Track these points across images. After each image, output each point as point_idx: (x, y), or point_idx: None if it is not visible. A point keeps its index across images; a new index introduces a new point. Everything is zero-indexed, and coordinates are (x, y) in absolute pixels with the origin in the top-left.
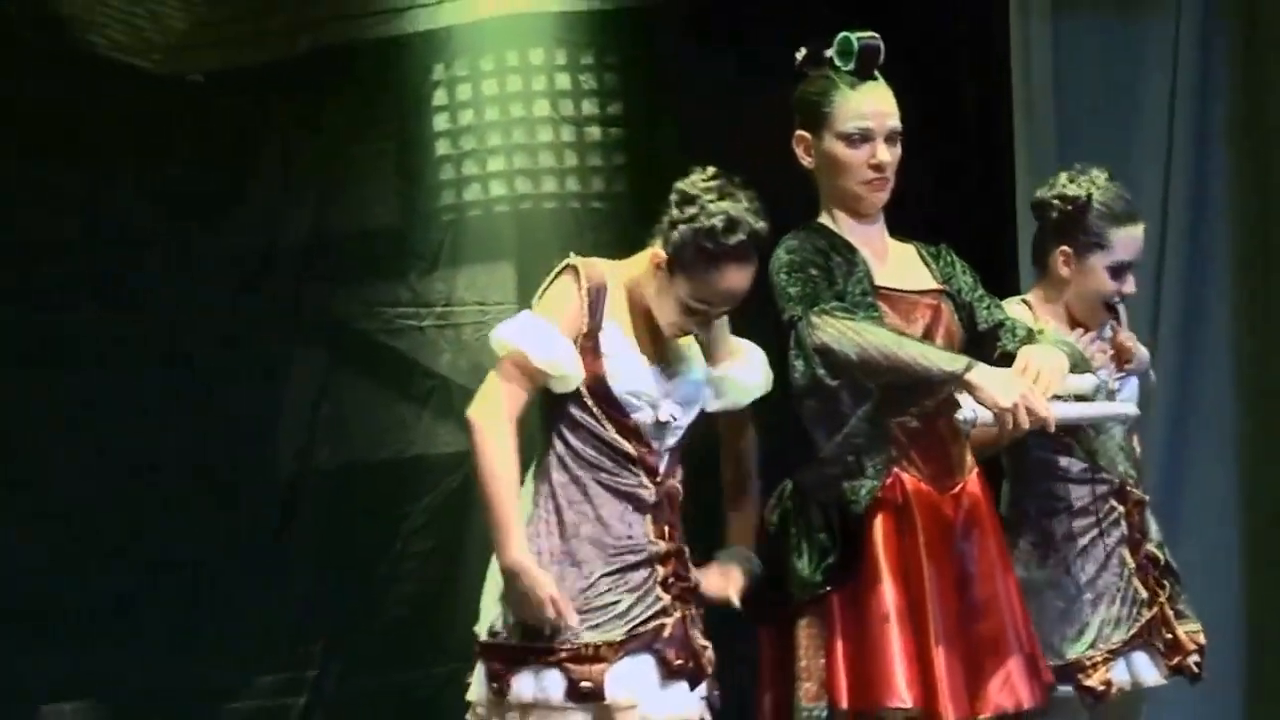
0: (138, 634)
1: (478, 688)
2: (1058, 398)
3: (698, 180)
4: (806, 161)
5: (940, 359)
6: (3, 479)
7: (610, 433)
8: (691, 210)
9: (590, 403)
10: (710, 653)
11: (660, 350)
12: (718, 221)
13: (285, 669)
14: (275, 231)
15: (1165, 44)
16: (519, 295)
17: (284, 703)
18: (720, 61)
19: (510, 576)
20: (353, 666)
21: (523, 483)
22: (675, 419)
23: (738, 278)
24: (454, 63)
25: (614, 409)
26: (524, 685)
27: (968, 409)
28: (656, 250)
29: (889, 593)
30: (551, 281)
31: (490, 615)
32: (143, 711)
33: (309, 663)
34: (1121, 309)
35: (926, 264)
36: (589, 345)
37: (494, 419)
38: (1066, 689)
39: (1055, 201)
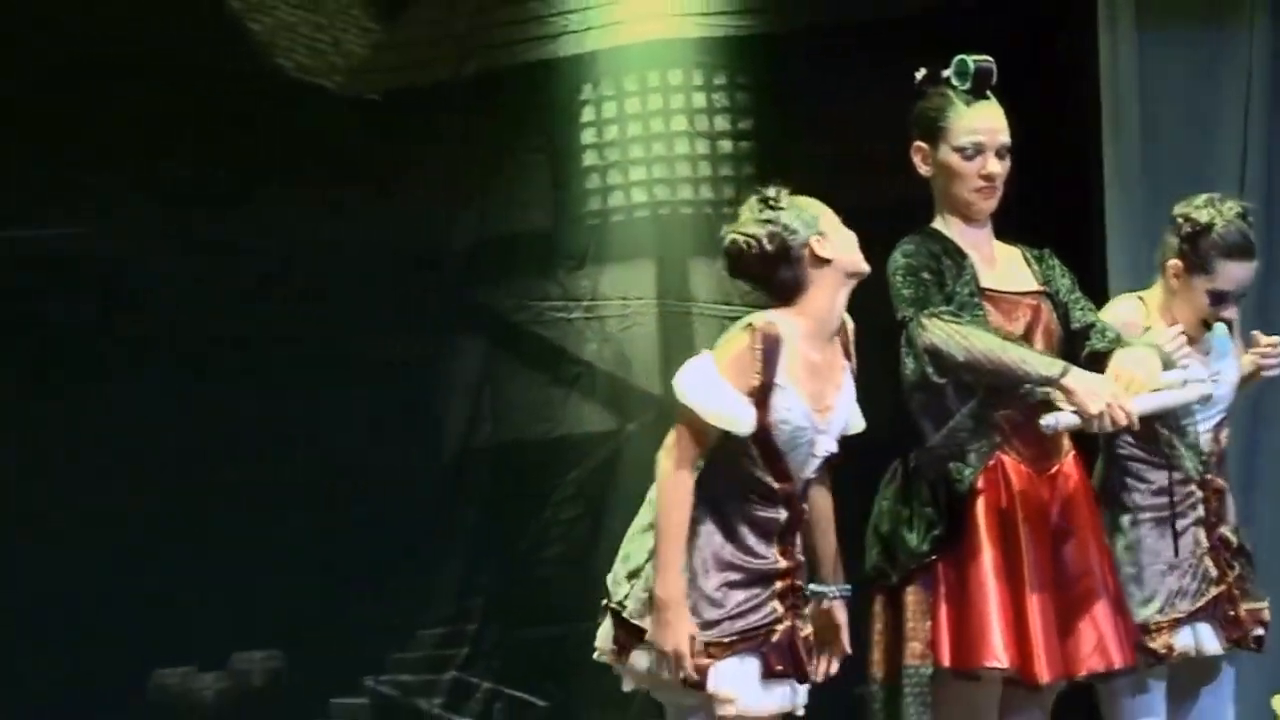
0: (321, 588)
1: (604, 638)
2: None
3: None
4: (924, 170)
5: (1039, 364)
6: (228, 457)
7: (763, 474)
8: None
9: (753, 449)
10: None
11: (819, 390)
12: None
13: (449, 623)
14: (442, 234)
15: (1240, 57)
16: (657, 291)
17: (447, 653)
18: (839, 81)
19: (660, 606)
20: (508, 621)
21: None
22: (828, 452)
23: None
24: (600, 83)
25: (773, 456)
26: (640, 659)
27: (1049, 418)
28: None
29: (989, 562)
30: (732, 336)
31: (623, 588)
32: (323, 657)
33: (470, 617)
34: (1226, 325)
35: (1030, 266)
36: (761, 399)
37: (674, 465)
38: None
39: (1181, 219)
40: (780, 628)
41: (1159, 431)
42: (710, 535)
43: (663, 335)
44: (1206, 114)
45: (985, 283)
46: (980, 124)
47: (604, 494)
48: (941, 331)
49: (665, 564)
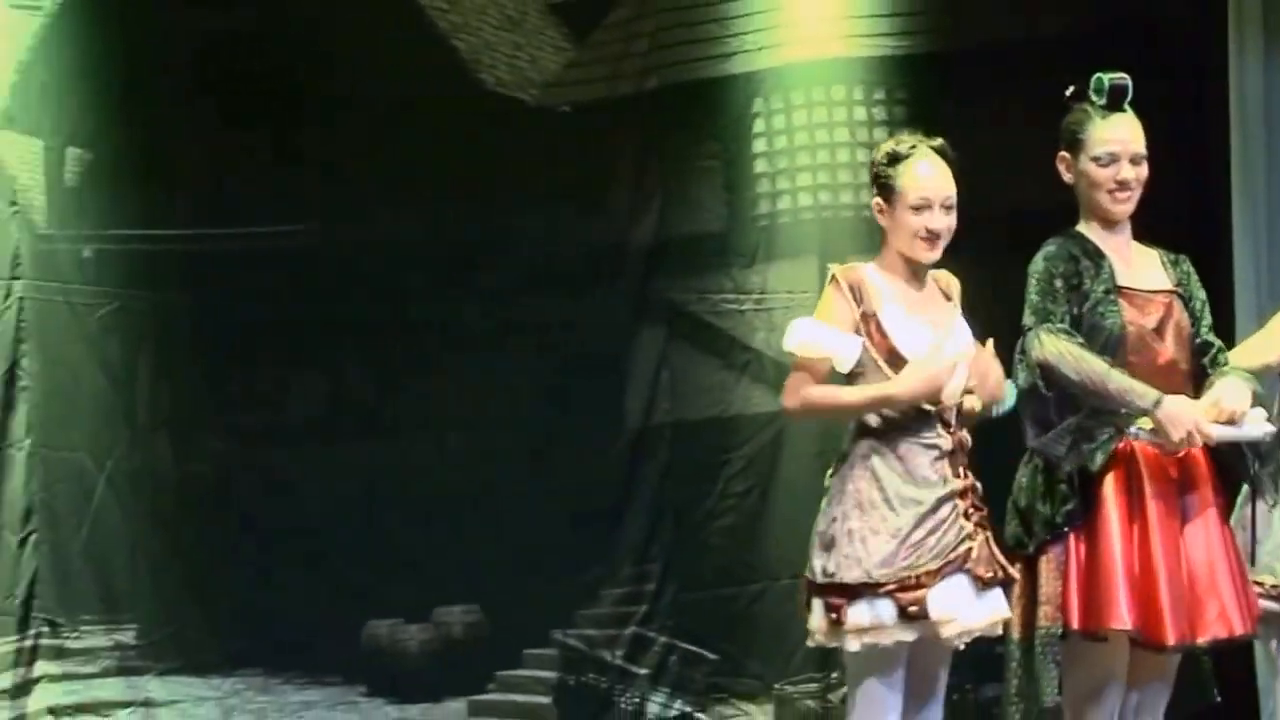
0: (515, 550)
1: (817, 619)
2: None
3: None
4: (1067, 178)
5: (1136, 394)
6: (443, 429)
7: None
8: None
9: (891, 374)
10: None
11: (930, 318)
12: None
13: (629, 583)
14: (627, 234)
15: None
16: (819, 286)
17: (627, 610)
18: (988, 97)
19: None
20: (682, 583)
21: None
22: (964, 376)
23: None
24: (770, 97)
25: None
26: (860, 614)
27: (1134, 428)
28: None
29: (1117, 533)
30: (822, 290)
31: (820, 560)
32: (517, 614)
33: (648, 579)
34: None
35: (1165, 268)
36: (873, 328)
37: (787, 397)
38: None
39: None
40: (974, 542)
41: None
42: (889, 476)
43: None
44: None
45: (1121, 281)
46: (1115, 135)
47: (770, 469)
48: (1055, 349)
49: (867, 400)
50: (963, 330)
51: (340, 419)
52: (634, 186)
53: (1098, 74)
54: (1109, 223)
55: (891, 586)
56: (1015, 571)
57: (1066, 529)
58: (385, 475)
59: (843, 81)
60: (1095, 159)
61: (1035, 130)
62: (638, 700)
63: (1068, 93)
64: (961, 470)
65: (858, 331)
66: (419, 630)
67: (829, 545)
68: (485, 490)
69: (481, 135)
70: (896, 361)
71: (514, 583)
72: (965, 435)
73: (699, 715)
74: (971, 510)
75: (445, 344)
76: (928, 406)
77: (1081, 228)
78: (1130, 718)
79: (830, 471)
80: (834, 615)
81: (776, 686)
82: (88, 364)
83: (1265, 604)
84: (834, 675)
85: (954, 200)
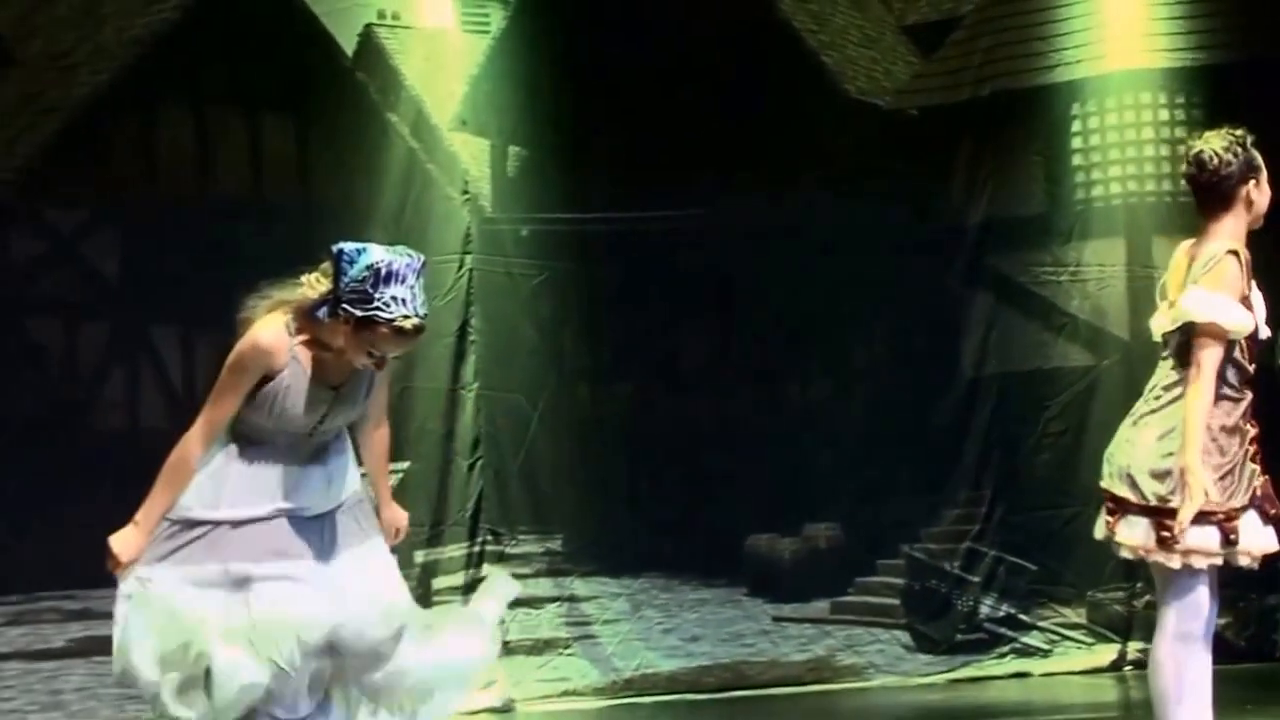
0: (872, 478)
1: (1145, 536)
2: None
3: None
4: None
5: None
6: (820, 375)
7: (1243, 359)
8: None
9: (1244, 343)
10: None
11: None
12: None
13: (965, 506)
14: (963, 215)
15: None
16: (1126, 261)
17: (963, 529)
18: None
19: (1186, 471)
20: (1009, 507)
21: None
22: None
23: None
24: (1086, 102)
25: (1253, 343)
26: (1192, 537)
27: None
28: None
29: None
30: (1218, 262)
31: (1152, 487)
32: (873, 531)
33: (981, 503)
34: None
35: None
36: (1246, 304)
37: (1207, 379)
38: None
39: None
40: (1259, 481)
41: None
42: (1218, 419)
43: (1130, 295)
44: None
45: None
46: None
47: (1083, 414)
48: None
49: (1187, 439)
50: None
51: (724, 369)
52: (969, 176)
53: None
54: None
55: (1220, 516)
56: None
57: None
58: (763, 415)
59: (1149, 89)
60: None
61: None
62: (971, 603)
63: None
64: (1253, 418)
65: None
66: (791, 543)
67: (1163, 475)
68: (847, 429)
69: (844, 134)
70: (1252, 340)
71: (870, 506)
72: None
73: (1022, 616)
74: (1256, 454)
75: (809, 311)
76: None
77: None
78: None
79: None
80: (1165, 535)
81: (1089, 593)
82: (524, 323)
83: None
84: (1139, 585)
85: None
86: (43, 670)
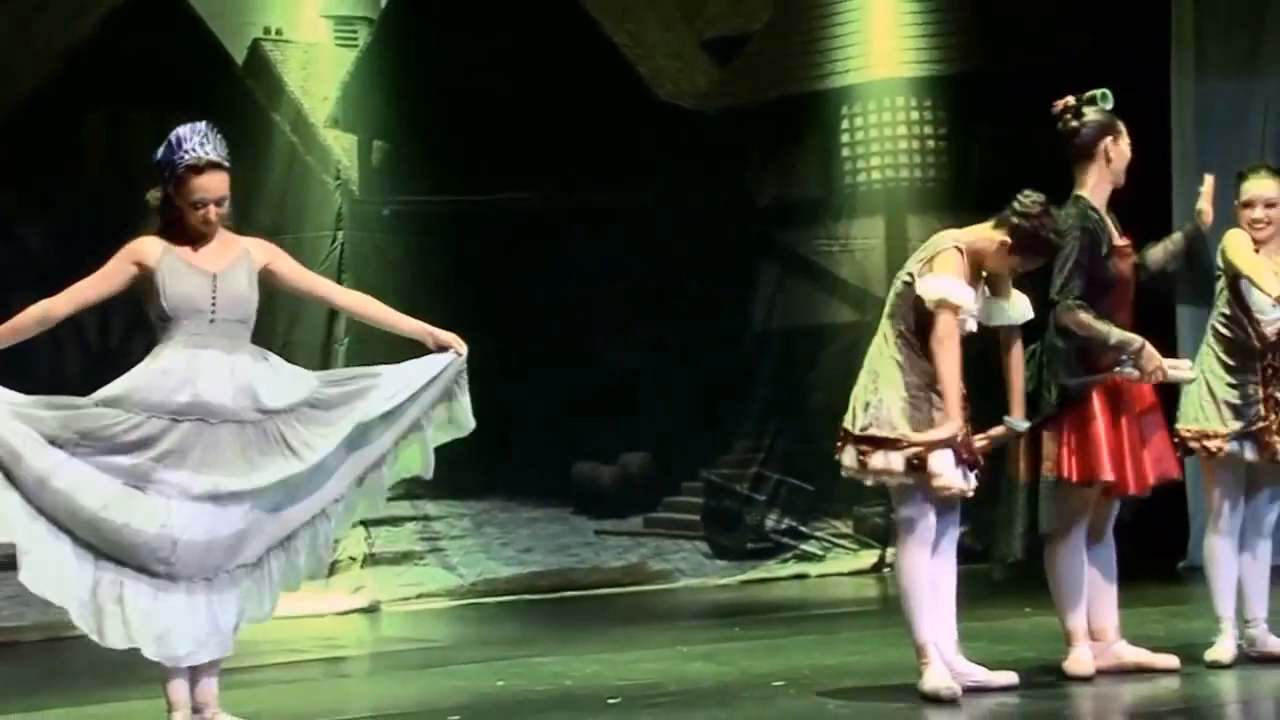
0: (678, 413)
1: (850, 459)
2: None
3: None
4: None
5: (1124, 342)
6: (635, 329)
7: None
8: (1029, 222)
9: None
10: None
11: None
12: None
13: (753, 438)
14: (754, 199)
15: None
16: (885, 235)
17: (751, 456)
18: (994, 112)
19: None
20: (789, 439)
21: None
22: None
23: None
24: (854, 104)
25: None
26: (875, 461)
27: (1121, 368)
28: (1004, 239)
29: (1099, 412)
30: (938, 254)
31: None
32: (677, 458)
33: (766, 434)
34: None
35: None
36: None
37: (952, 342)
38: None
39: None
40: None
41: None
42: (916, 378)
43: (889, 262)
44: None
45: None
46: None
47: (849, 363)
48: (1072, 318)
49: (946, 395)
50: None
51: (557, 328)
52: (759, 166)
53: (1103, 90)
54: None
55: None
56: None
57: (1061, 409)
58: (590, 365)
59: (902, 94)
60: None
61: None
62: (759, 518)
63: (1072, 101)
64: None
65: None
66: (610, 470)
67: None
68: (659, 374)
69: (656, 131)
70: None
71: (675, 438)
72: None
73: (801, 528)
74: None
75: (630, 278)
76: None
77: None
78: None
79: None
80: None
81: (855, 509)
82: (387, 288)
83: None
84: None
85: None
86: None
